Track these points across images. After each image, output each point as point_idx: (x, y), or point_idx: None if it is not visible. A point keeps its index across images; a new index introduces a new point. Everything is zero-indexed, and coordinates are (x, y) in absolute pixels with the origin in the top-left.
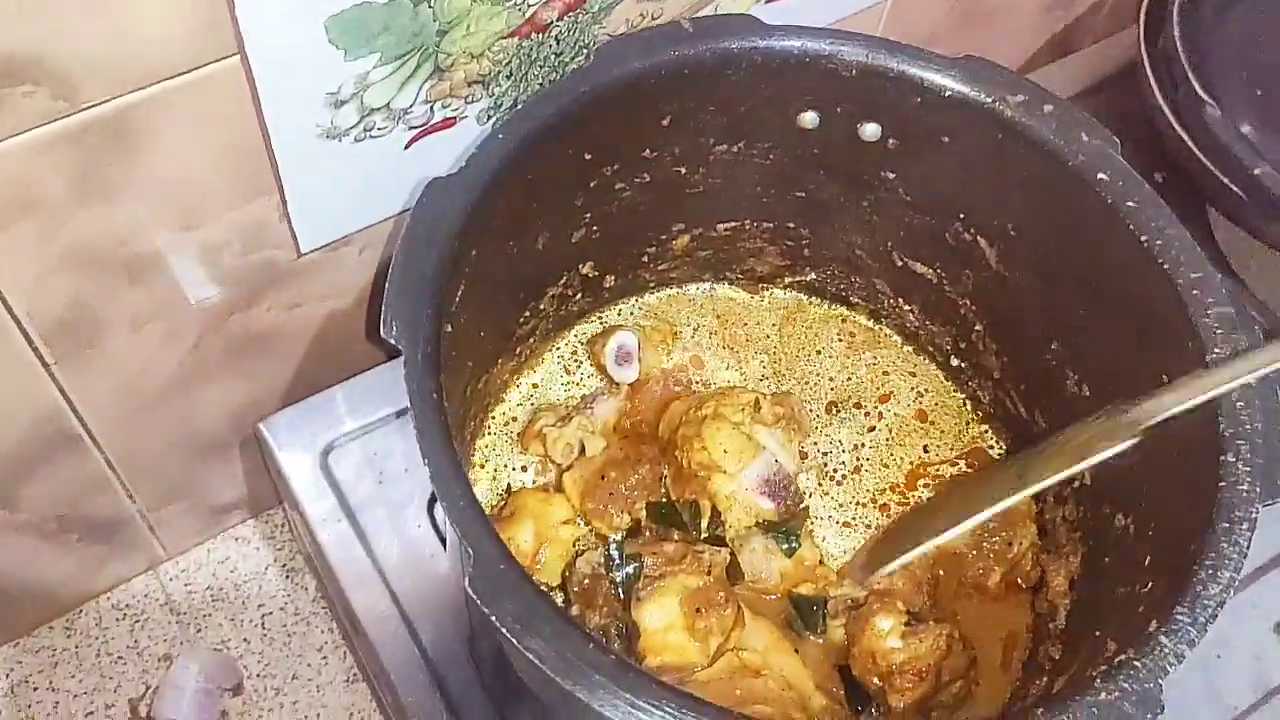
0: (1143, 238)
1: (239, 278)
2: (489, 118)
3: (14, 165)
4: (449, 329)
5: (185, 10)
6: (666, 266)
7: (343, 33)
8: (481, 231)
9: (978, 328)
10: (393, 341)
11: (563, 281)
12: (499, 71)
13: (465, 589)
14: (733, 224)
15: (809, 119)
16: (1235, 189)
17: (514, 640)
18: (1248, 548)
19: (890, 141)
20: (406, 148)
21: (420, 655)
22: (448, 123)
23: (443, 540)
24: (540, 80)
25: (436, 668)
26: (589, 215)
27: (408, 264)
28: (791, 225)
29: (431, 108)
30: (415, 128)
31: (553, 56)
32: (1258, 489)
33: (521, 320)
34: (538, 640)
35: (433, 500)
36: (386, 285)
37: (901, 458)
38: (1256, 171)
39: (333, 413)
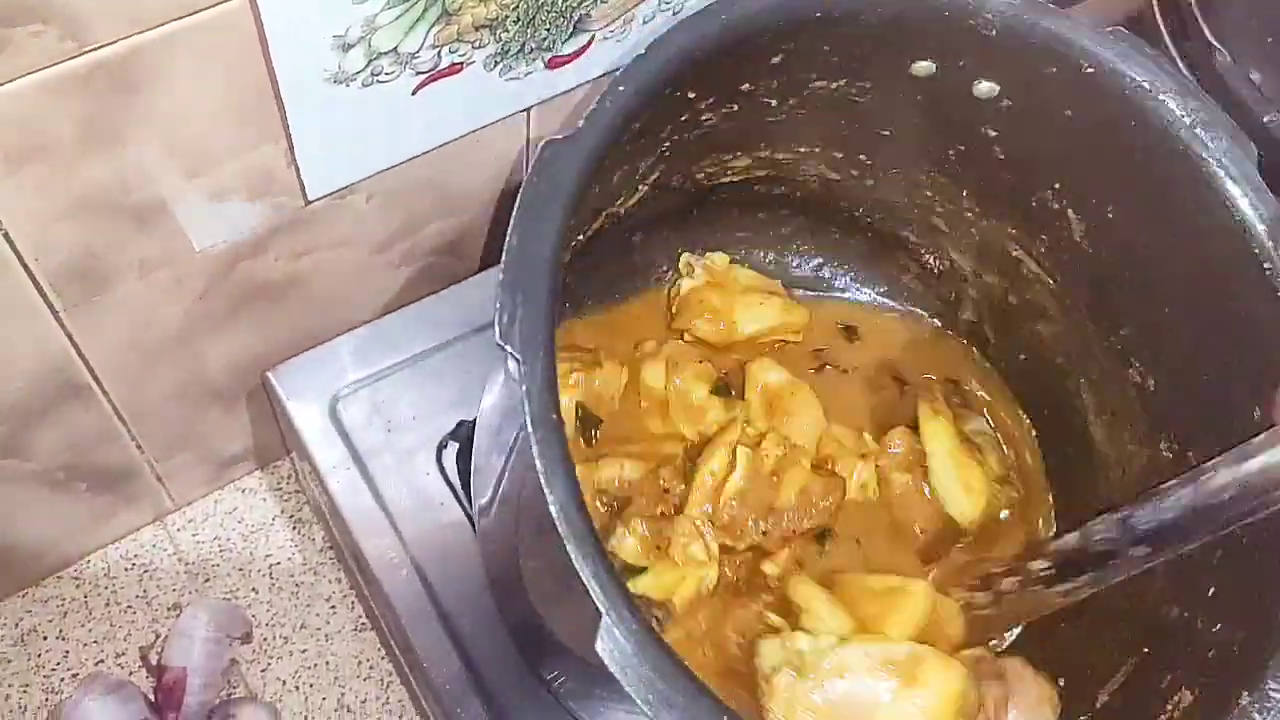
0: (1254, 249)
1: (246, 225)
2: (496, 64)
3: (21, 107)
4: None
5: None
6: (723, 187)
7: None
8: (585, 199)
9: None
10: (508, 350)
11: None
12: (507, 16)
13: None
14: (801, 149)
15: (923, 68)
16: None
17: None
18: None
19: (1004, 102)
20: (414, 93)
21: (431, 600)
22: (455, 68)
23: (451, 486)
24: (548, 25)
25: (447, 612)
26: (668, 145)
27: (521, 255)
28: (863, 157)
29: (439, 53)
30: (422, 73)
31: (561, 1)
32: None
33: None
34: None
35: (441, 447)
36: (500, 276)
37: None
38: (1267, 120)
39: (340, 361)
